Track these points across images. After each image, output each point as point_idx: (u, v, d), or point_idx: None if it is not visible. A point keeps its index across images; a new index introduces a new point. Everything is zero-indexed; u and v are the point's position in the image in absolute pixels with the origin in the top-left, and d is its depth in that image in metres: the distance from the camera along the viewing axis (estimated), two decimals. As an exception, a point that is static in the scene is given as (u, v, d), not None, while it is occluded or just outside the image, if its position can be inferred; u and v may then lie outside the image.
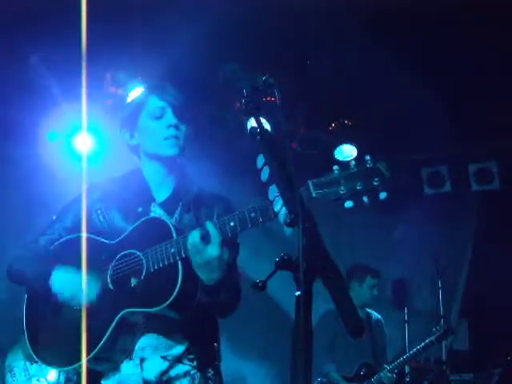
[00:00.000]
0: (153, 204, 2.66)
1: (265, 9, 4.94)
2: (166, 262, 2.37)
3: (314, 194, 1.97)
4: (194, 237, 2.31)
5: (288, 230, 1.77)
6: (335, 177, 1.91)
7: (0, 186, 6.11)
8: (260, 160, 1.89)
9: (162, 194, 2.71)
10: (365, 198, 1.85)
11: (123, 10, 4.86)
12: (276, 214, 2.00)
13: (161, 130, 2.62)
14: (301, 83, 5.60)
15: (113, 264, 2.52)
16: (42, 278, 2.55)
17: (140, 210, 2.62)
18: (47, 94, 5.44)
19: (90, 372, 2.49)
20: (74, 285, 2.50)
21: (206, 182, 2.95)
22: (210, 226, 2.31)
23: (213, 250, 2.29)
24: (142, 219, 2.53)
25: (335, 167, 1.92)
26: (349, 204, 1.86)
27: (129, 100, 2.83)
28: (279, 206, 1.84)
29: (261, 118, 1.93)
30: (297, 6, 4.91)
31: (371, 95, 5.85)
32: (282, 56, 5.35)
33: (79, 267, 2.53)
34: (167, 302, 2.33)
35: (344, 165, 1.92)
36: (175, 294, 2.32)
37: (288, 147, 1.78)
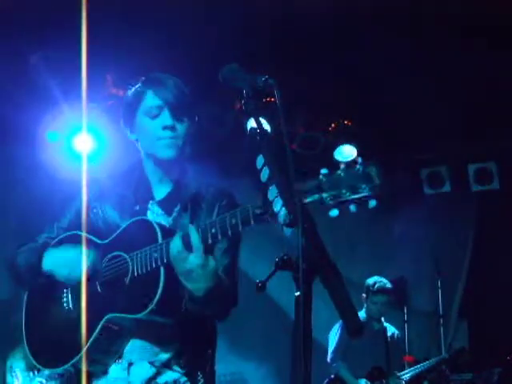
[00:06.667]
0: (151, 202, 2.54)
1: (266, 9, 4.95)
2: (149, 268, 2.27)
3: (305, 200, 1.82)
4: (176, 244, 2.18)
5: (287, 230, 1.77)
6: (319, 182, 1.74)
7: (0, 186, 6.11)
8: (260, 160, 1.88)
9: (161, 191, 2.56)
10: (352, 207, 1.70)
11: (124, 9, 4.86)
12: (260, 218, 1.99)
13: (156, 130, 2.46)
14: (301, 83, 5.60)
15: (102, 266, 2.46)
16: (34, 259, 2.49)
17: (137, 208, 2.52)
18: (47, 95, 5.44)
19: (81, 373, 2.44)
20: (68, 259, 2.44)
21: (206, 182, 2.86)
22: (192, 231, 2.17)
23: (195, 259, 2.16)
24: (133, 219, 2.43)
25: (323, 171, 1.76)
26: (334, 213, 1.71)
27: (128, 93, 2.62)
28: (279, 206, 1.82)
29: (261, 118, 1.91)
30: (297, 6, 4.92)
31: (371, 95, 5.86)
32: (283, 56, 5.35)
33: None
34: (147, 310, 2.24)
35: (332, 169, 1.75)
36: (155, 301, 2.22)
37: (288, 147, 1.71)
